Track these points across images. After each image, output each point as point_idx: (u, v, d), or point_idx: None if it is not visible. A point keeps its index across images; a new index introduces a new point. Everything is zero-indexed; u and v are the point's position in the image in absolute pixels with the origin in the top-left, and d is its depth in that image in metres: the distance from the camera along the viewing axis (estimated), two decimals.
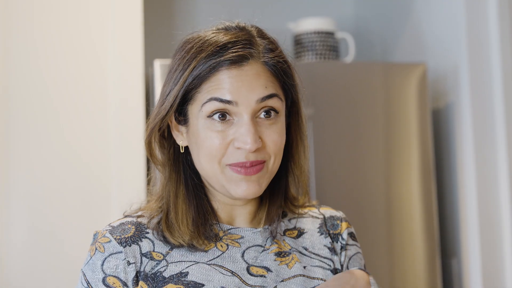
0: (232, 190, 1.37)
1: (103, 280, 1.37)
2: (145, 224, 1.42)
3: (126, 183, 2.57)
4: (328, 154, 2.67)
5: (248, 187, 1.36)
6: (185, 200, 1.41)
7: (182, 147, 1.43)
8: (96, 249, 1.39)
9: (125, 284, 1.37)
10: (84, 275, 1.39)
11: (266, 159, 1.38)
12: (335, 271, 1.47)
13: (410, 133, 2.76)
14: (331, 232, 1.52)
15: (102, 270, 1.37)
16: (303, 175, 1.48)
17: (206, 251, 1.40)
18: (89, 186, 2.57)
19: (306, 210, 1.53)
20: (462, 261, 2.77)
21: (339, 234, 1.52)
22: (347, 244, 1.52)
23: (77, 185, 2.56)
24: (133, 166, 2.58)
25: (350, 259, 1.51)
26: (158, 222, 1.41)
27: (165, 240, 1.40)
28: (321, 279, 1.44)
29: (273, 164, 1.39)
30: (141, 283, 1.37)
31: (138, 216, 1.43)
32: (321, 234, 1.51)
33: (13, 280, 2.50)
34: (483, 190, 2.73)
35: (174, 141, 1.44)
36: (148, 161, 1.50)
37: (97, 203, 2.56)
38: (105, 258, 1.38)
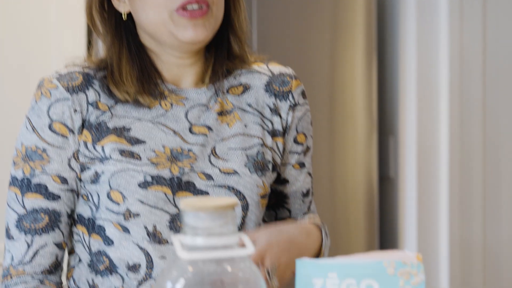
0: (180, 34, 1.38)
1: (49, 126, 1.39)
2: (92, 75, 1.43)
3: (67, 39, 2.57)
4: (272, 30, 2.68)
5: (195, 30, 1.38)
6: (128, 61, 1.42)
7: (124, 14, 1.43)
8: (42, 94, 1.40)
9: (71, 131, 1.39)
10: (29, 120, 1.40)
11: (209, 3, 1.39)
12: (273, 132, 1.48)
13: (355, 12, 2.77)
14: (279, 89, 1.50)
15: (48, 116, 1.39)
16: (244, 35, 1.49)
17: (150, 109, 1.42)
18: (29, 46, 2.57)
19: (253, 65, 1.51)
20: (399, 138, 2.85)
21: (289, 92, 1.50)
22: (297, 104, 1.50)
23: (16, 46, 2.56)
24: (74, 25, 2.57)
25: (299, 120, 1.51)
26: (104, 77, 1.43)
27: (110, 94, 1.41)
28: (260, 138, 1.47)
29: (217, 9, 1.41)
30: (85, 132, 1.39)
31: (84, 67, 1.44)
32: (267, 91, 1.49)
33: None
34: (423, 69, 2.78)
35: (115, 12, 1.44)
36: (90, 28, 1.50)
37: (37, 62, 2.57)
38: (51, 104, 1.39)
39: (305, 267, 1.19)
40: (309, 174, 1.55)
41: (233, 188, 1.41)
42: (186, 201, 1.08)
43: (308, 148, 1.54)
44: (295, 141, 1.51)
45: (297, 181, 1.53)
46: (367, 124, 2.79)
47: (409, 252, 1.13)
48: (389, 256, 1.15)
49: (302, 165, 1.53)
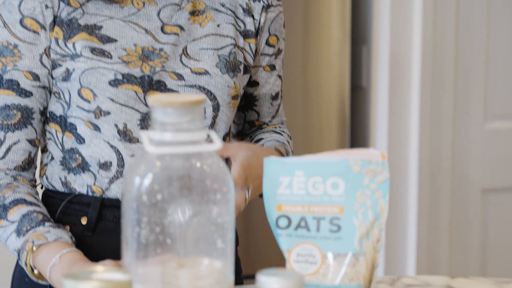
0: None
1: (21, 21, 1.38)
2: None
3: None
4: None
5: None
6: None
7: None
8: None
9: (43, 27, 1.38)
10: (1, 15, 1.39)
11: None
12: (244, 33, 1.48)
13: None
14: None
15: (20, 11, 1.37)
16: None
17: (121, 7, 1.41)
18: None
19: None
20: (372, 48, 2.85)
21: None
22: (270, 5, 1.50)
23: None
24: None
25: (272, 21, 1.50)
26: None
27: None
28: (233, 38, 1.47)
29: None
30: (56, 28, 1.38)
31: None
32: None
33: None
34: None
35: None
36: None
37: None
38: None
39: (272, 165, 1.21)
40: (279, 77, 1.56)
41: (204, 88, 1.42)
42: (154, 97, 1.09)
43: (279, 51, 1.54)
44: (267, 43, 1.51)
45: (267, 83, 1.54)
46: (340, 33, 2.79)
47: (374, 150, 1.15)
48: (354, 154, 1.17)
49: (272, 67, 1.54)
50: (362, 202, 1.16)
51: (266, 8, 1.49)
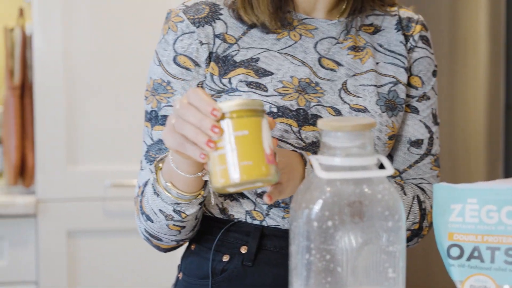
0: None
1: (174, 59, 1.39)
2: (219, 5, 1.41)
3: None
4: None
5: None
6: None
7: None
8: (169, 28, 1.40)
9: (196, 64, 1.38)
10: (157, 54, 1.41)
11: None
12: (407, 70, 1.46)
13: None
14: (405, 32, 1.48)
15: (174, 49, 1.39)
16: None
17: (278, 40, 1.40)
18: None
19: (388, 9, 1.49)
20: None
21: (411, 35, 1.47)
22: (415, 46, 1.47)
23: None
24: None
25: (414, 61, 1.47)
26: (233, 2, 1.41)
27: (238, 22, 1.40)
28: (393, 77, 1.44)
29: None
30: (212, 64, 1.38)
31: None
32: (398, 30, 1.47)
33: (77, 73, 2.60)
34: None
35: None
36: None
37: None
38: (178, 37, 1.39)
39: (442, 191, 1.16)
40: (425, 125, 1.49)
41: None
42: (324, 120, 1.06)
43: (424, 95, 1.49)
44: (409, 83, 1.47)
45: (404, 124, 1.47)
46: (492, 47, 2.68)
47: None
48: None
49: (413, 109, 1.47)
50: None
51: (412, 49, 1.47)
